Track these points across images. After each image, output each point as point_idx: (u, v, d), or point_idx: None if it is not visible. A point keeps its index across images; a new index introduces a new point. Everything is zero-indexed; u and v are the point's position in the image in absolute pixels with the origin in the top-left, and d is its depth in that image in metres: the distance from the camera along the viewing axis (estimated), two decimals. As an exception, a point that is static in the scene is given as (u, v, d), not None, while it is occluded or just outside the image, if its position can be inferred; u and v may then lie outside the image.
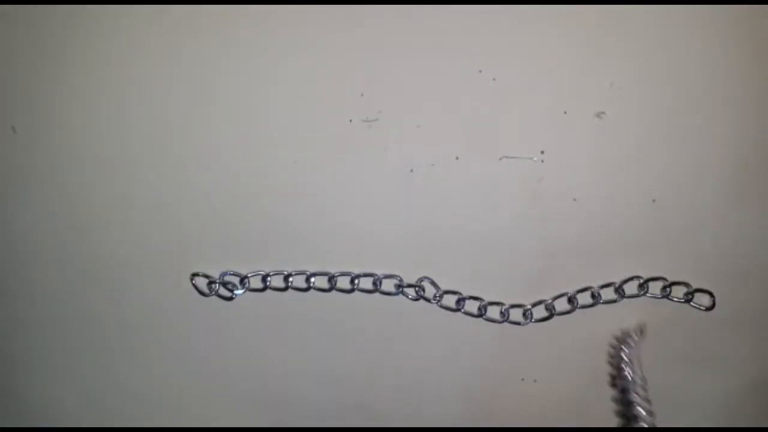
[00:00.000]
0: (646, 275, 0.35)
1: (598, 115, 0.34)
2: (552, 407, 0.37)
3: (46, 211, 0.37)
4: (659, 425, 0.31)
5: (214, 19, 0.34)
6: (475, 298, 0.36)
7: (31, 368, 0.39)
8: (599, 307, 0.35)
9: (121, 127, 0.35)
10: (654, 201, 0.34)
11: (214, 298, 0.36)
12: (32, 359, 0.38)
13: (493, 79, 0.34)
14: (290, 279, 0.36)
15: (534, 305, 0.36)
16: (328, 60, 0.34)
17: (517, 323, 0.36)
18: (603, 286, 0.35)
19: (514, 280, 0.35)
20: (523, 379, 0.37)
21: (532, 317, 0.36)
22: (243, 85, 0.34)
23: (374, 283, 0.36)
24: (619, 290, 0.35)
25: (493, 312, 0.36)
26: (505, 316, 0.36)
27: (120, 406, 0.38)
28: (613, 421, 0.35)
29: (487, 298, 0.36)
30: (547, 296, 0.36)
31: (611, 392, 0.36)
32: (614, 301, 0.35)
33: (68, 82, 0.35)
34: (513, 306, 0.36)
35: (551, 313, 0.36)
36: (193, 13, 0.34)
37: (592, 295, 0.35)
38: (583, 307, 0.35)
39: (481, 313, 0.36)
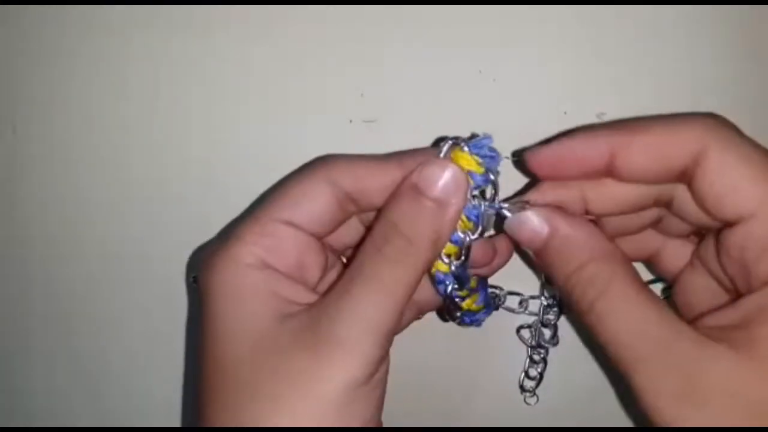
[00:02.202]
0: (646, 277, 0.35)
1: (599, 115, 0.33)
2: (551, 406, 0.37)
3: (46, 211, 0.37)
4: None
5: (213, 19, 0.34)
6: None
7: (31, 368, 0.39)
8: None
9: (121, 126, 0.35)
10: (655, 201, 0.34)
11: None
12: (32, 359, 0.39)
13: (494, 80, 0.34)
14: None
15: (532, 297, 0.36)
16: (328, 60, 0.34)
17: (512, 310, 0.36)
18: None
19: (515, 278, 0.35)
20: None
21: (527, 308, 0.36)
22: (242, 87, 0.34)
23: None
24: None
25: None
26: (501, 301, 0.36)
27: (120, 406, 0.39)
28: (614, 421, 0.36)
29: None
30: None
31: (609, 392, 0.36)
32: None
33: (68, 83, 0.35)
34: (510, 293, 0.36)
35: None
36: (193, 12, 0.34)
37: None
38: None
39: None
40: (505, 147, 0.34)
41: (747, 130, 0.33)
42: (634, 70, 0.33)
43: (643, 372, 0.23)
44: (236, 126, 0.35)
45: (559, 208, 0.27)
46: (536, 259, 0.28)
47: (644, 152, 0.25)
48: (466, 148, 0.26)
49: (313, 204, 0.27)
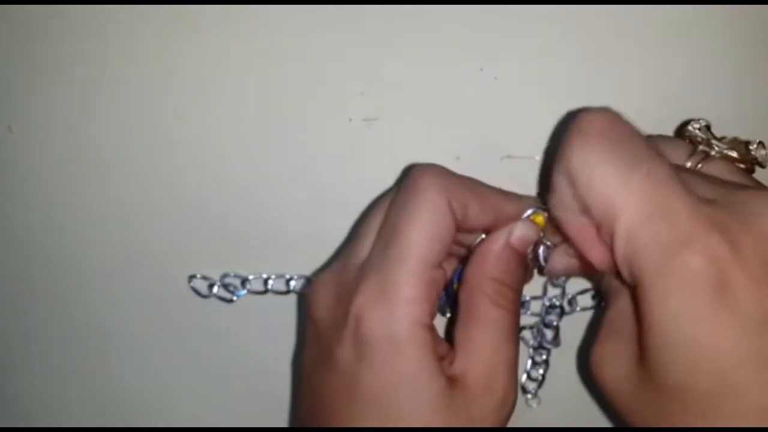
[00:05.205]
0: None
1: (601, 114, 0.33)
2: (550, 408, 0.37)
3: (43, 212, 0.37)
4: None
5: (212, 19, 0.33)
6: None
7: (30, 369, 0.39)
8: (600, 309, 0.35)
9: (119, 127, 0.35)
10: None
11: (214, 300, 0.36)
12: (31, 360, 0.39)
13: (495, 78, 0.34)
14: (291, 282, 0.36)
15: (534, 298, 0.36)
16: (328, 59, 0.34)
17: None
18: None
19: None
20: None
21: (529, 308, 0.36)
22: (241, 85, 0.34)
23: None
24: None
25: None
26: None
27: (119, 407, 0.39)
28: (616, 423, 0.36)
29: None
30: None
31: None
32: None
33: (65, 83, 0.35)
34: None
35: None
36: (191, 13, 0.33)
37: (593, 297, 0.35)
38: (585, 309, 0.35)
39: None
40: (507, 145, 0.34)
41: (748, 129, 0.33)
42: (637, 69, 0.33)
43: None
44: (235, 125, 0.35)
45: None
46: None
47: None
48: (546, 214, 0.30)
49: (448, 237, 0.27)
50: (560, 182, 0.26)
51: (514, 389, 0.28)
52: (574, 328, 0.36)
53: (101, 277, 0.37)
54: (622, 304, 0.27)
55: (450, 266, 0.30)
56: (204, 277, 0.36)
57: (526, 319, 0.36)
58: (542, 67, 0.33)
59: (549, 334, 0.36)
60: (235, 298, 0.36)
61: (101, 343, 0.38)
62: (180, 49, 0.34)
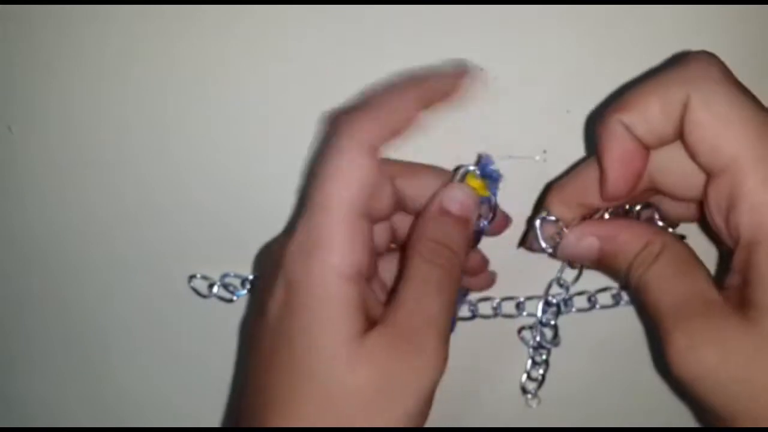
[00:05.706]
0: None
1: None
2: (550, 408, 0.37)
3: (43, 212, 0.36)
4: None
5: (212, 20, 0.33)
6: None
7: (29, 369, 0.39)
8: (596, 312, 0.35)
9: (119, 127, 0.35)
10: (657, 201, 0.34)
11: (214, 300, 0.36)
12: (30, 360, 0.39)
13: (495, 78, 0.34)
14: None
15: (528, 299, 0.36)
16: (328, 58, 0.34)
17: (510, 316, 0.36)
18: (600, 291, 0.35)
19: (514, 282, 0.35)
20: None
21: (524, 309, 0.36)
22: (242, 86, 0.34)
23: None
24: (617, 296, 0.35)
25: (485, 308, 0.36)
26: (497, 310, 0.36)
27: (119, 407, 0.39)
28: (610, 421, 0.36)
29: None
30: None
31: (611, 394, 0.36)
32: (611, 307, 0.35)
33: (65, 82, 0.35)
34: (505, 299, 0.36)
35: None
36: (192, 13, 0.33)
37: (589, 299, 0.35)
38: (581, 310, 0.35)
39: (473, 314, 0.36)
40: (508, 146, 0.34)
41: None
42: (638, 69, 0.33)
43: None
44: (235, 126, 0.35)
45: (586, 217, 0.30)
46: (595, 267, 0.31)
47: (642, 118, 0.26)
48: (478, 173, 0.31)
49: (367, 181, 0.27)
50: (654, 112, 0.25)
51: (434, 343, 0.26)
52: (573, 327, 0.36)
53: (101, 277, 0.37)
54: (686, 287, 0.26)
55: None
56: (204, 277, 0.36)
57: (524, 320, 0.36)
58: (542, 67, 0.33)
59: (548, 333, 0.36)
60: (235, 298, 0.36)
61: (101, 343, 0.38)
62: (180, 49, 0.34)
